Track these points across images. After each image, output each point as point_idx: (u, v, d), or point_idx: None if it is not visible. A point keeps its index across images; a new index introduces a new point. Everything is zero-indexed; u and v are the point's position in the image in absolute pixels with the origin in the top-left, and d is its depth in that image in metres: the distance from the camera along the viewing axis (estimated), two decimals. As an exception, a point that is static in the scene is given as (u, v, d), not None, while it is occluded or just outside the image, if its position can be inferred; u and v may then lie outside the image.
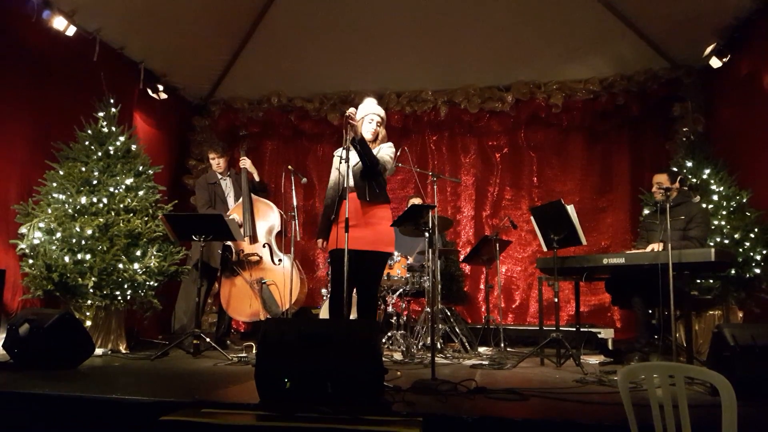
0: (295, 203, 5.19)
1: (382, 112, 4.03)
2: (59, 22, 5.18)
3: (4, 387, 3.04)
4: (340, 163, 3.71)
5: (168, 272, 5.13)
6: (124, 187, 5.09)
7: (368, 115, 3.96)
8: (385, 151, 3.94)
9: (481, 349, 5.52)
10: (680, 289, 4.16)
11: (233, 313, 5.62)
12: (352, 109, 3.76)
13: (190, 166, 7.55)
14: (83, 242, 4.74)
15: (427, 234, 4.03)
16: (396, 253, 5.44)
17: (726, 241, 5.07)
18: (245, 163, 5.74)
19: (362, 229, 3.72)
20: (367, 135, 3.89)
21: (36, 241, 4.70)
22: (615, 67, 6.78)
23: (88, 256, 4.71)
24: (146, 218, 5.12)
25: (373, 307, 4.00)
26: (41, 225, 4.74)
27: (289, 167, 5.32)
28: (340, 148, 4.06)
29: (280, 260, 5.58)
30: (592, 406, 2.86)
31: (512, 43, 6.66)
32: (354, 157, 3.78)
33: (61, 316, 3.94)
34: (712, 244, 4.88)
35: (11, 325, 3.94)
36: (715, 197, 5.31)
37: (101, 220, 4.84)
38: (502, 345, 5.51)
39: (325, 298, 5.83)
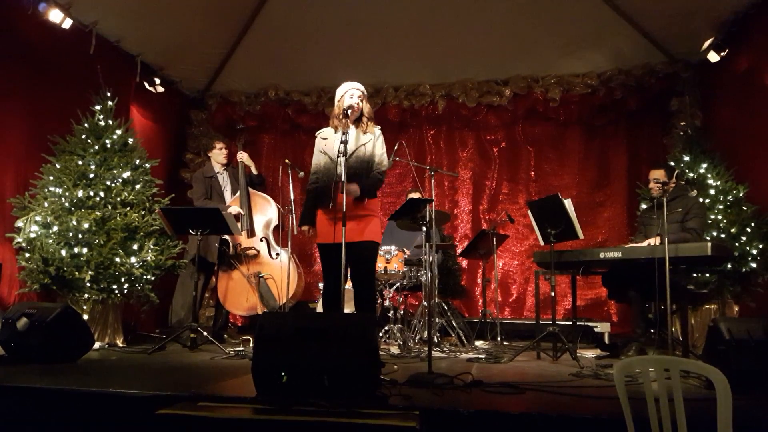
0: (292, 197, 5.18)
1: (362, 87, 3.96)
2: (55, 15, 5.15)
3: (1, 381, 3.04)
4: (338, 155, 3.63)
5: (165, 266, 5.14)
6: (120, 180, 5.09)
7: (348, 91, 3.89)
8: (379, 150, 3.88)
9: (478, 343, 5.53)
10: (676, 283, 4.17)
11: (230, 307, 5.62)
12: (353, 188, 3.71)
13: (187, 160, 7.53)
14: (80, 236, 4.74)
15: (424, 228, 4.03)
16: (393, 247, 5.44)
17: (722, 236, 5.09)
18: (243, 156, 5.74)
19: (351, 221, 3.65)
20: (351, 105, 3.81)
21: (32, 235, 4.70)
22: (613, 61, 6.77)
23: (84, 250, 4.71)
24: (143, 212, 5.12)
25: (372, 302, 3.92)
26: (38, 218, 4.73)
27: (287, 161, 5.31)
28: (325, 129, 4.03)
29: (277, 254, 5.58)
30: (588, 399, 2.88)
31: (510, 36, 6.65)
32: (350, 150, 3.74)
33: (63, 311, 3.95)
34: (708, 238, 4.90)
35: (7, 319, 3.93)
36: (712, 191, 5.32)
37: (98, 213, 4.83)
38: (499, 339, 5.53)
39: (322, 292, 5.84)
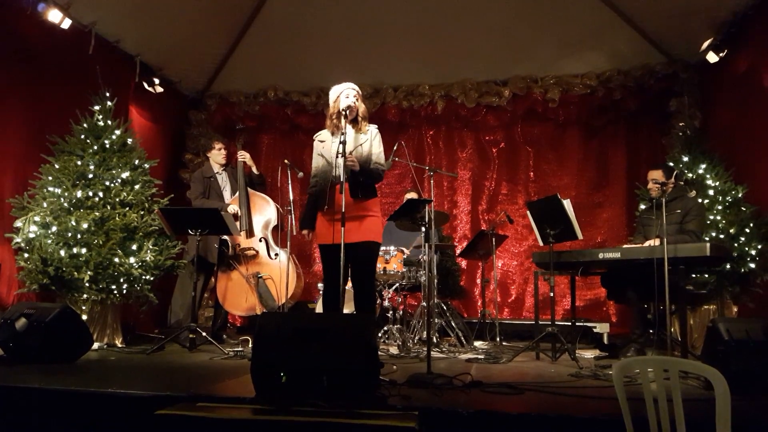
0: (291, 197, 5.18)
1: (356, 87, 3.96)
2: (54, 15, 5.15)
3: (0, 381, 3.04)
4: (338, 156, 3.65)
5: (164, 266, 5.13)
6: (119, 180, 5.09)
7: (344, 91, 3.89)
8: (376, 149, 3.88)
9: (477, 344, 5.53)
10: (675, 283, 4.17)
11: (229, 308, 5.62)
12: (353, 159, 3.70)
13: (186, 160, 7.52)
14: (79, 236, 4.73)
15: (423, 228, 4.02)
16: (392, 248, 5.44)
17: (721, 236, 5.09)
18: (244, 156, 5.73)
19: (351, 222, 3.66)
20: (348, 105, 3.81)
21: (31, 235, 4.69)
22: (612, 61, 6.77)
23: (83, 250, 4.71)
24: (142, 212, 5.12)
25: (372, 302, 3.92)
26: (36, 219, 4.73)
27: (286, 161, 5.31)
28: (322, 131, 4.04)
29: (276, 254, 5.58)
30: (587, 400, 2.88)
31: (509, 37, 6.66)
32: (348, 151, 3.75)
33: (62, 311, 3.95)
34: (707, 239, 4.90)
35: (6, 319, 3.93)
36: (711, 192, 5.32)
37: (97, 213, 4.83)
38: (498, 339, 5.53)
39: (321, 292, 5.83)
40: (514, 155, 7.61)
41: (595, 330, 5.94)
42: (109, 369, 3.83)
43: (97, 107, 5.25)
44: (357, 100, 3.89)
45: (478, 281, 7.18)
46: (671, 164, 5.55)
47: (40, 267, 4.60)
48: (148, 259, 4.98)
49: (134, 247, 4.95)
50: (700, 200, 5.05)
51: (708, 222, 5.09)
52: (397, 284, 5.53)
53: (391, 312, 5.50)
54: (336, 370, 2.60)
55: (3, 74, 4.96)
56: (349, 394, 2.55)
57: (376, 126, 3.99)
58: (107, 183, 5.01)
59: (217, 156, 5.83)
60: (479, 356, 4.62)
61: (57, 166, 4.95)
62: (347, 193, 3.68)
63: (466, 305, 7.40)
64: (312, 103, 7.43)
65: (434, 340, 5.04)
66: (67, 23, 5.28)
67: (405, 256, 5.55)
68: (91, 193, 4.91)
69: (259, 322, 2.84)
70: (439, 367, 3.77)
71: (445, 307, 5.50)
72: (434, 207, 5.43)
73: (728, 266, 4.99)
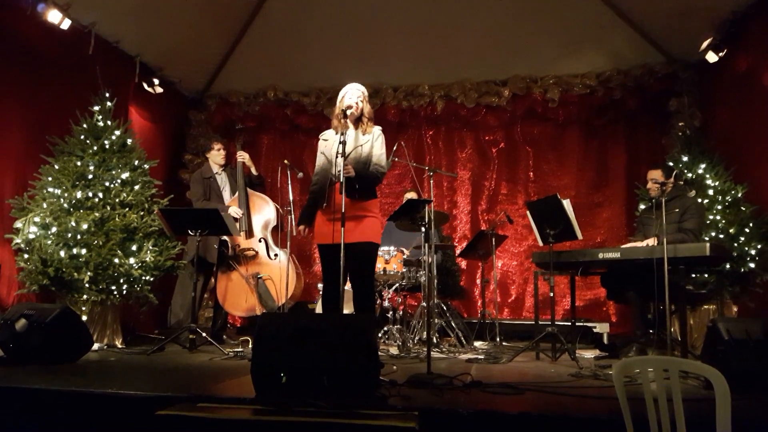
0: (291, 198, 5.18)
1: (363, 88, 3.96)
2: (54, 16, 5.15)
3: (0, 382, 3.03)
4: (336, 155, 3.64)
5: (164, 267, 5.14)
6: (119, 181, 5.09)
7: (349, 91, 3.90)
8: (377, 150, 3.86)
9: (477, 344, 5.53)
10: (675, 283, 4.17)
11: (229, 308, 5.61)
12: (348, 167, 3.66)
13: (186, 161, 7.52)
14: (79, 237, 4.74)
15: (423, 229, 4.03)
16: (392, 248, 5.44)
17: (721, 236, 5.09)
18: (243, 156, 5.73)
19: (350, 222, 3.65)
20: (349, 104, 3.84)
21: (31, 236, 4.70)
22: (611, 61, 6.78)
23: (83, 251, 4.71)
24: (142, 213, 5.12)
25: (371, 303, 3.92)
26: (36, 219, 4.73)
27: (286, 162, 5.31)
28: (327, 131, 4.04)
29: (276, 255, 5.58)
30: (587, 400, 2.88)
31: (509, 37, 6.66)
32: (348, 151, 3.75)
33: (62, 311, 3.95)
34: (707, 238, 4.90)
35: (6, 320, 3.93)
36: (711, 192, 5.33)
37: (97, 214, 4.83)
38: (498, 339, 5.53)
39: (321, 292, 5.83)
40: (514, 155, 7.61)
41: (594, 330, 5.95)
42: (109, 369, 3.83)
43: (96, 108, 5.25)
44: (362, 101, 3.90)
45: (478, 281, 7.19)
46: (671, 164, 5.56)
47: (39, 268, 4.60)
48: (147, 259, 4.98)
49: (134, 247, 4.95)
50: (699, 200, 5.05)
51: (708, 222, 5.10)
52: (397, 284, 5.53)
53: (391, 312, 5.50)
54: (336, 371, 2.60)
55: (3, 74, 4.96)
56: (349, 394, 2.55)
57: (380, 128, 3.99)
58: (107, 183, 5.01)
59: (216, 156, 5.83)
60: (479, 356, 4.62)
61: (57, 167, 4.95)
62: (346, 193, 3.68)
63: (466, 305, 7.40)
64: (312, 103, 7.43)
65: (434, 340, 5.04)
66: (66, 24, 5.27)
67: (405, 257, 5.54)
68: (90, 194, 4.91)
69: (259, 323, 2.85)
70: (439, 368, 3.77)
71: (445, 308, 5.50)
72: (434, 207, 5.43)
73: (728, 266, 4.99)
